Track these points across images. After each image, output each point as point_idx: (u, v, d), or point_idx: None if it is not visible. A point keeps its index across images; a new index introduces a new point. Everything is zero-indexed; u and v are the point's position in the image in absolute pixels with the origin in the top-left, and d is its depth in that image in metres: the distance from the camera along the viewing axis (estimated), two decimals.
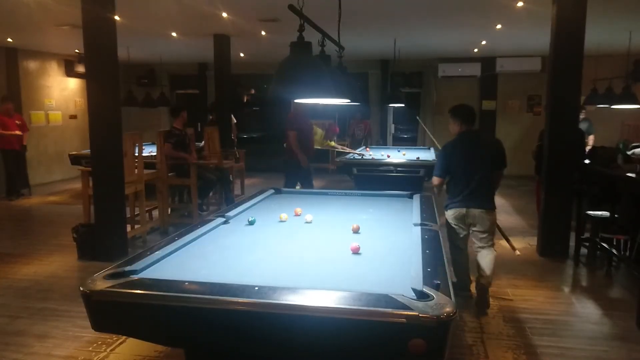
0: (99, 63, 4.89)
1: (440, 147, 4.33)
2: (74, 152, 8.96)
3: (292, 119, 6.24)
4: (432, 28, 7.55)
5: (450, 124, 4.01)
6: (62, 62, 10.84)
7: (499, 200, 8.33)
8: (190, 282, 1.99)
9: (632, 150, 7.30)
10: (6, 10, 6.24)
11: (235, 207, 3.57)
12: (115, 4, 4.93)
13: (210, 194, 7.48)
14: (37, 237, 6.11)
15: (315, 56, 2.75)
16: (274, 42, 8.33)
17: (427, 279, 2.00)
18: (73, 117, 11.25)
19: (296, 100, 4.06)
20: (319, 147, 8.38)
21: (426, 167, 7.03)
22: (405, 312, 1.68)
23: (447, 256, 2.44)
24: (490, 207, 3.92)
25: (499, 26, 7.18)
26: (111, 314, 1.98)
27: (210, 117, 9.14)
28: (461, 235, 3.97)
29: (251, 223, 3.16)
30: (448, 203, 3.98)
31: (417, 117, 7.50)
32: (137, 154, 5.65)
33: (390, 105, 10.38)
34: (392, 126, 12.15)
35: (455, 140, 3.97)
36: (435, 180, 4.03)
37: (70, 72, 10.95)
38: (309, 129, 6.42)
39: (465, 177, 3.85)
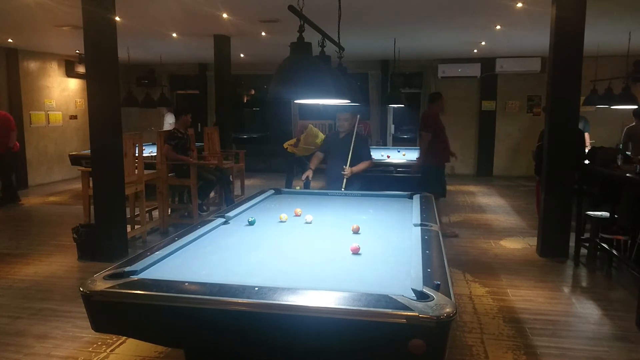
0: (99, 63, 4.90)
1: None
2: (74, 153, 8.96)
3: (430, 120, 6.04)
4: (432, 28, 7.55)
5: (349, 120, 4.80)
6: (63, 62, 10.85)
7: (499, 201, 8.42)
8: (190, 283, 1.99)
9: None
10: (6, 10, 6.24)
11: (235, 207, 3.57)
12: (115, 4, 4.93)
13: (211, 194, 7.49)
14: (37, 237, 6.12)
15: (315, 57, 2.75)
16: (274, 42, 8.33)
17: (427, 279, 2.00)
18: (73, 117, 11.26)
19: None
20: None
21: None
22: (405, 313, 1.68)
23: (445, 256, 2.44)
24: None
25: (498, 27, 7.19)
26: (111, 315, 1.98)
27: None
28: None
29: (251, 223, 3.16)
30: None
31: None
32: (137, 154, 5.65)
33: (390, 105, 10.39)
34: (392, 126, 12.15)
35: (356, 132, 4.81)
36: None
37: (70, 73, 10.95)
38: (444, 131, 6.17)
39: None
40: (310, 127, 8.11)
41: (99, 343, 3.26)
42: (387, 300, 1.76)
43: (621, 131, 10.38)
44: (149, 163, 6.39)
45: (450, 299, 1.81)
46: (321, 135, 8.34)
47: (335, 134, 5.09)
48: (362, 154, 4.84)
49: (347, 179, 4.67)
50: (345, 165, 4.65)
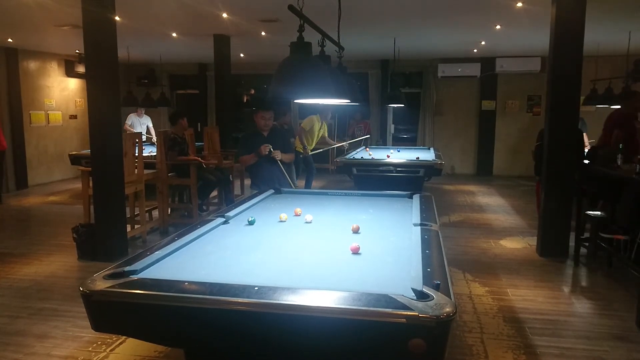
0: (99, 63, 4.89)
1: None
2: (74, 152, 8.95)
3: (623, 119, 5.58)
4: (432, 28, 7.55)
5: (268, 120, 4.77)
6: (63, 62, 10.84)
7: (499, 200, 8.42)
8: (190, 282, 1.99)
9: None
10: (6, 10, 6.24)
11: (235, 207, 3.57)
12: (115, 4, 4.93)
13: (212, 194, 7.48)
14: (37, 237, 6.11)
15: (315, 56, 2.75)
16: (274, 42, 8.33)
17: (427, 279, 2.00)
18: (73, 117, 11.25)
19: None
20: (319, 148, 8.43)
21: (426, 167, 7.04)
22: (405, 312, 1.68)
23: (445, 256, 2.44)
24: None
25: (498, 26, 7.19)
26: (111, 314, 1.98)
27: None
28: None
29: (251, 223, 3.16)
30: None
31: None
32: (137, 154, 5.65)
33: (390, 105, 10.39)
34: (392, 126, 12.15)
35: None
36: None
37: (70, 72, 10.94)
38: (635, 135, 5.48)
39: None
40: (302, 128, 8.13)
41: (99, 343, 3.26)
42: (387, 300, 1.76)
43: None
44: (149, 163, 6.39)
45: (450, 298, 1.81)
46: (316, 123, 8.15)
47: (256, 135, 4.87)
48: (287, 144, 5.13)
49: (286, 170, 4.83)
50: (272, 149, 4.64)
